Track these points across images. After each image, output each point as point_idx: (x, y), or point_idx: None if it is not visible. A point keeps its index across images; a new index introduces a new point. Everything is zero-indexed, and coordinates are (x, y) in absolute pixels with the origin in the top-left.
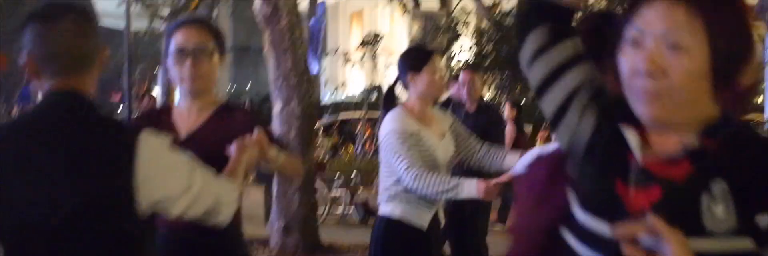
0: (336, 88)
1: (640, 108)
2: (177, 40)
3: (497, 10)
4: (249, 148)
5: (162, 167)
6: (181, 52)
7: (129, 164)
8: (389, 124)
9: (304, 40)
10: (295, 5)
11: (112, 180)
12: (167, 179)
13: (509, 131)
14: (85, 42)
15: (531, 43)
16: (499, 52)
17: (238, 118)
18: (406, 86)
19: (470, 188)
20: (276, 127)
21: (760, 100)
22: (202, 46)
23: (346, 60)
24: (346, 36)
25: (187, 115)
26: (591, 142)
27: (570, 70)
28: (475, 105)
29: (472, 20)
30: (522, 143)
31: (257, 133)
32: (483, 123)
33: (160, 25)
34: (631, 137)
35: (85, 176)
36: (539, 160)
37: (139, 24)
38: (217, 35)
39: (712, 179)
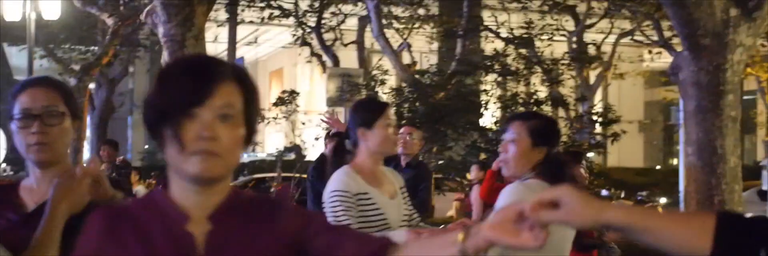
0: (253, 148)
1: None
2: (22, 101)
3: (415, 69)
4: (77, 182)
5: None
6: (27, 116)
7: None
8: (332, 184)
9: None
10: None
11: None
12: None
13: (476, 196)
14: None
15: None
16: (415, 110)
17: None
18: (355, 143)
19: (399, 240)
20: None
21: None
22: (51, 109)
23: (261, 118)
24: (265, 94)
25: (35, 188)
26: None
27: None
28: (408, 160)
29: (390, 78)
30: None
31: (91, 162)
32: (411, 178)
33: (72, 80)
34: None
35: None
36: (94, 216)
37: None
38: (68, 97)
39: None
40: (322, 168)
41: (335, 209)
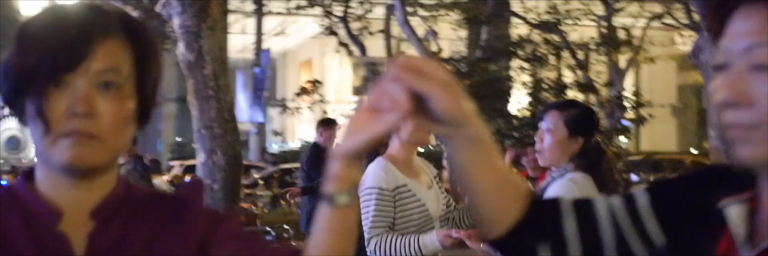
0: (282, 138)
1: (735, 151)
2: None
3: (440, 57)
4: None
5: None
6: None
7: None
8: (368, 180)
9: (232, 88)
10: (221, 51)
11: None
12: None
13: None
14: None
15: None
16: None
17: None
18: None
19: (433, 242)
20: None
21: None
22: None
23: (284, 108)
24: (295, 85)
25: None
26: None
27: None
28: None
29: None
30: None
31: None
32: None
33: None
34: (736, 216)
35: None
36: None
37: None
38: None
39: None
40: (317, 156)
41: (368, 207)
